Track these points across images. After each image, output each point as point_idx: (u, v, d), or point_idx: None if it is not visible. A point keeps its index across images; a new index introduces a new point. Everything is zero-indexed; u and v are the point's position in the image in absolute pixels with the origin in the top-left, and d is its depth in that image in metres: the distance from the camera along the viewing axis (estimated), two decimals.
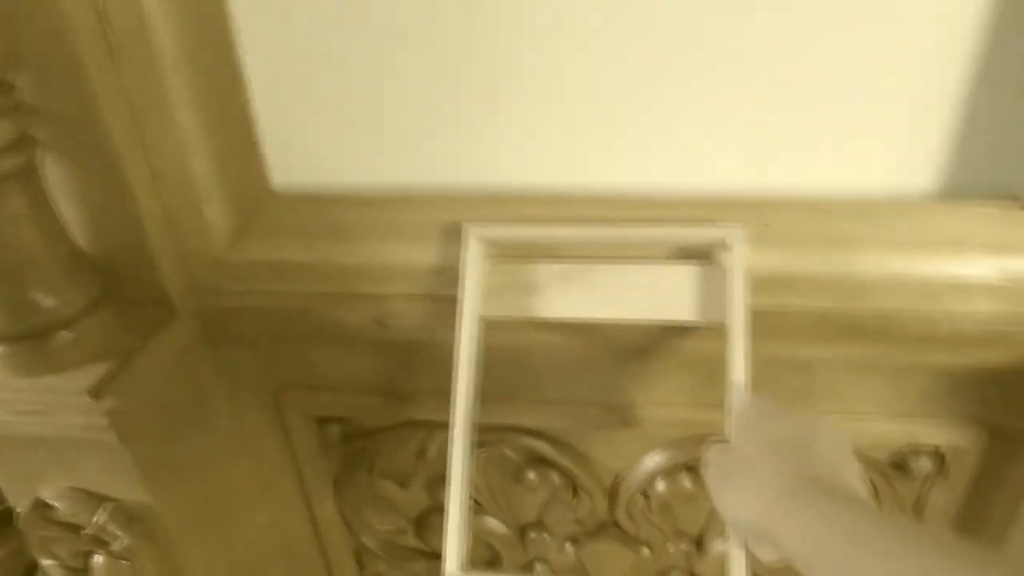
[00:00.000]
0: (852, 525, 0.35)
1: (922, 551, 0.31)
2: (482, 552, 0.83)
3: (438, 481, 0.76)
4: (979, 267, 0.57)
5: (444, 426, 0.71)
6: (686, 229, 0.59)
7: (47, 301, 0.56)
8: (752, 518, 0.41)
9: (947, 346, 0.58)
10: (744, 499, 0.42)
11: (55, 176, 0.57)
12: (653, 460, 0.71)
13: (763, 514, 0.40)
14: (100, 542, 0.64)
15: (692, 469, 0.71)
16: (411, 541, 0.82)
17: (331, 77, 0.61)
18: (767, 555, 0.46)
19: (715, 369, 0.59)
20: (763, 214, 0.59)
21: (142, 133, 0.57)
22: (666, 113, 0.59)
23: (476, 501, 0.76)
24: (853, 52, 0.55)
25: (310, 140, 0.64)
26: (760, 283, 0.58)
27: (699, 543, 0.78)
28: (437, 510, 0.79)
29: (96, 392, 0.56)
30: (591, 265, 0.60)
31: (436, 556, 0.83)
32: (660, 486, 0.72)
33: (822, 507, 0.37)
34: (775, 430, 0.45)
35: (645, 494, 0.73)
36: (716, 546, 0.77)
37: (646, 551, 0.78)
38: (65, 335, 0.57)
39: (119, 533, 0.63)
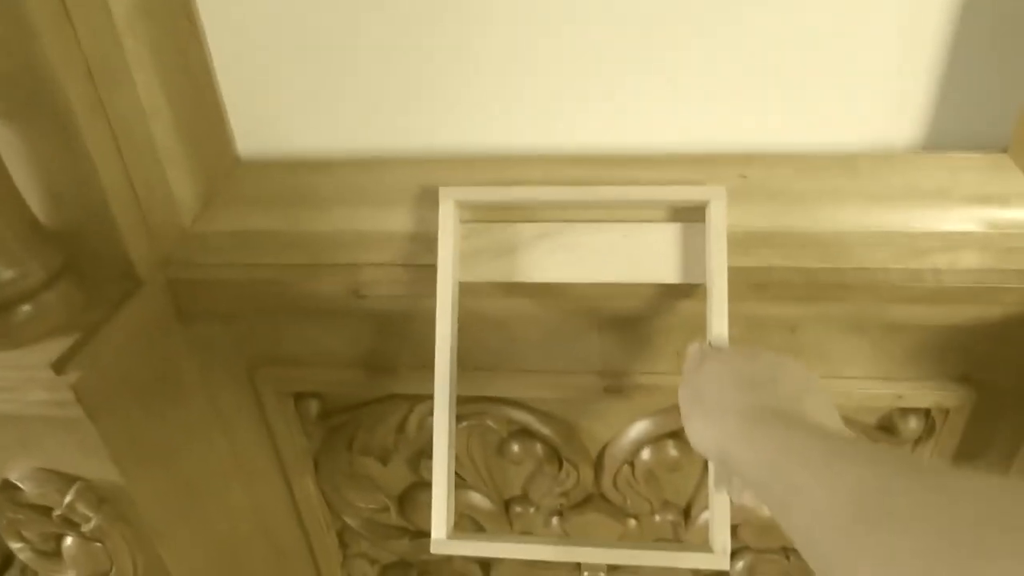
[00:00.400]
0: (805, 449, 0.34)
1: (862, 462, 0.30)
2: (467, 527, 0.81)
3: (420, 456, 0.75)
4: (965, 219, 0.56)
5: (425, 399, 0.70)
6: (667, 190, 0.58)
7: (5, 274, 0.53)
8: (715, 446, 0.42)
9: (934, 302, 0.56)
10: (708, 427, 0.43)
11: (11, 144, 0.54)
12: (638, 429, 0.70)
13: (724, 442, 0.41)
14: (70, 524, 0.62)
15: (678, 437, 0.70)
16: (394, 519, 0.80)
17: (296, 39, 0.59)
18: (746, 500, 0.47)
19: (700, 334, 0.58)
20: (745, 169, 0.57)
21: (100, 97, 0.55)
22: (646, 69, 0.57)
23: (460, 476, 0.75)
24: (834, 4, 0.53)
25: (276, 106, 0.62)
26: (743, 241, 0.57)
27: (686, 513, 0.77)
28: (420, 486, 0.78)
29: (60, 366, 0.54)
30: (571, 225, 0.59)
31: (420, 534, 0.82)
32: (646, 455, 0.71)
33: (779, 434, 0.37)
34: (745, 367, 0.45)
35: (631, 464, 0.72)
36: (703, 516, 0.76)
37: (633, 522, 0.77)
38: (25, 309, 0.55)
39: (90, 514, 0.61)
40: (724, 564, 0.57)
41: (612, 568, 0.82)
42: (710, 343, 0.54)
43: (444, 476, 0.58)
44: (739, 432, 0.39)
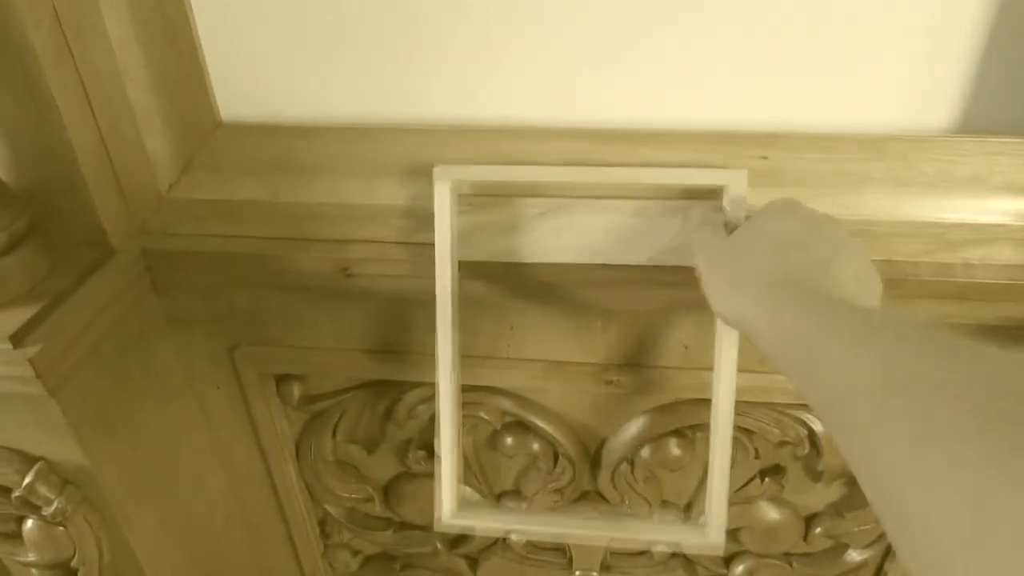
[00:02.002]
0: (830, 324, 0.32)
1: (889, 336, 0.29)
2: None
3: (408, 446, 0.71)
4: (1001, 210, 0.52)
5: (415, 386, 0.66)
6: (682, 172, 0.53)
7: None
8: (735, 312, 0.40)
9: (964, 299, 0.52)
10: (729, 293, 0.41)
11: None
12: (639, 425, 0.66)
13: (746, 310, 0.39)
14: (31, 506, 0.58)
15: (681, 435, 0.66)
16: (378, 510, 0.76)
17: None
18: None
19: (711, 329, 0.54)
20: (766, 150, 0.53)
21: (70, 47, 0.50)
22: (661, 36, 0.53)
23: None
24: None
25: (261, 66, 0.57)
26: None
27: (686, 514, 0.73)
28: (407, 477, 0.74)
29: (18, 339, 0.50)
30: (576, 202, 0.55)
31: (405, 525, 0.78)
32: (646, 453, 0.67)
33: (804, 307, 0.35)
34: (778, 227, 0.43)
35: (630, 462, 0.68)
36: (703, 519, 0.72)
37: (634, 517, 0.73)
38: None
39: (51, 496, 0.57)
40: (719, 548, 0.57)
41: (604, 568, 0.78)
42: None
43: (451, 453, 0.56)
44: (761, 303, 0.38)
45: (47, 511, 0.58)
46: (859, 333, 0.30)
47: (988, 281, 0.52)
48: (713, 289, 0.43)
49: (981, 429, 0.21)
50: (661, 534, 0.58)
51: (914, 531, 0.22)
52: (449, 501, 0.58)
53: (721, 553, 0.56)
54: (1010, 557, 0.18)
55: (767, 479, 0.68)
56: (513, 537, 0.78)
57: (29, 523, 0.60)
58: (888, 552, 0.74)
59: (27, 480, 0.56)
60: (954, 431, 0.22)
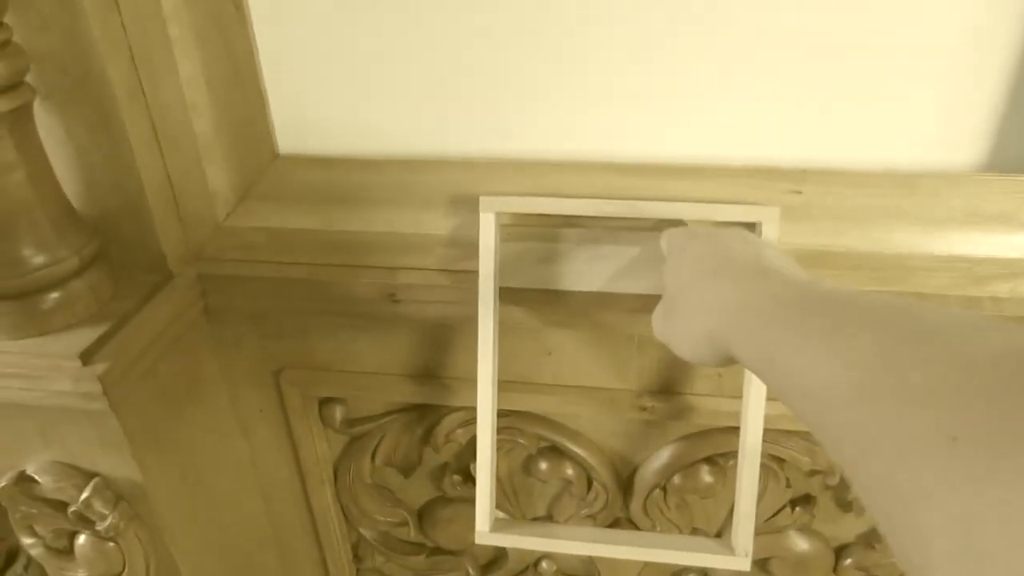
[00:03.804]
0: (797, 325, 0.31)
1: (860, 329, 0.27)
2: (487, 546, 0.79)
3: (445, 471, 0.73)
4: None
5: (454, 411, 0.68)
6: (716, 208, 0.56)
7: (37, 259, 0.52)
8: (705, 336, 0.39)
9: None
10: (694, 321, 0.40)
11: (49, 128, 0.54)
12: (671, 452, 0.68)
13: (717, 329, 0.37)
14: (85, 521, 0.60)
15: (712, 462, 0.68)
16: (412, 534, 0.78)
17: (343, 35, 0.58)
18: None
19: None
20: (800, 185, 0.55)
21: (143, 85, 0.54)
22: (698, 75, 0.56)
23: None
24: (899, 19, 0.52)
25: (319, 102, 0.61)
26: (795, 259, 0.54)
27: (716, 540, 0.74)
28: (442, 501, 0.75)
29: (87, 356, 0.52)
30: (613, 232, 0.57)
31: (438, 551, 0.79)
32: (677, 480, 0.69)
33: (765, 315, 0.33)
34: (695, 255, 0.43)
35: (663, 488, 0.69)
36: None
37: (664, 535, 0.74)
38: (54, 296, 0.54)
39: (106, 512, 0.59)
40: (745, 566, 0.58)
41: None
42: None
43: (488, 471, 0.58)
44: (727, 330, 0.36)
45: (101, 526, 0.59)
46: (829, 332, 0.28)
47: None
48: (679, 335, 0.42)
49: (956, 438, 0.20)
50: (689, 550, 0.60)
51: (900, 546, 0.22)
52: (484, 518, 0.59)
53: (747, 569, 0.57)
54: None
55: (797, 508, 0.69)
56: (543, 565, 0.79)
57: (81, 539, 0.62)
58: None
59: (84, 495, 0.58)
60: (928, 442, 0.21)
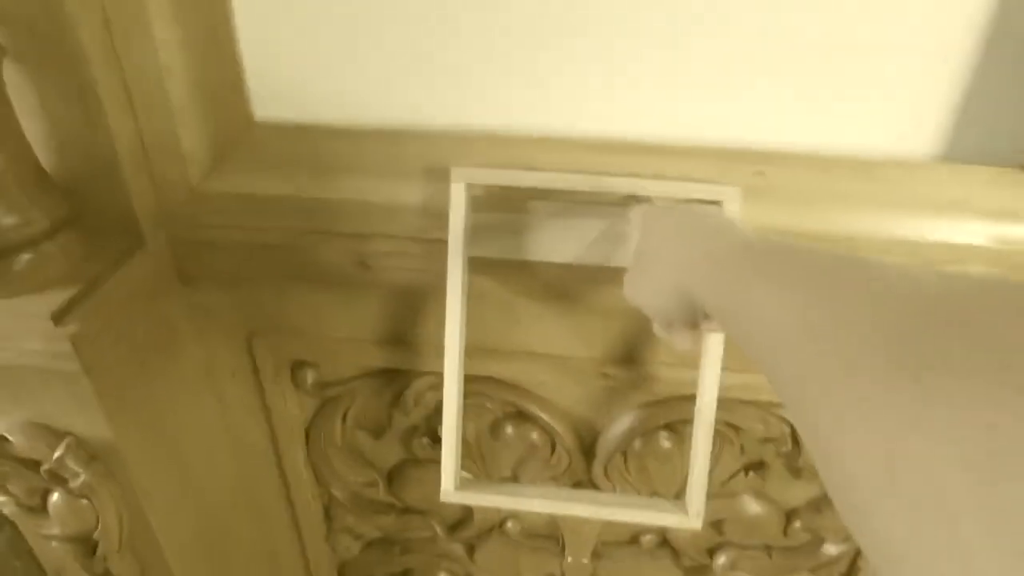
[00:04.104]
0: (756, 270, 0.32)
1: (804, 275, 0.29)
2: (454, 506, 0.81)
3: (414, 432, 0.75)
4: (977, 232, 0.56)
5: (423, 375, 0.70)
6: (680, 186, 0.57)
7: (6, 220, 0.52)
8: (673, 289, 0.41)
9: None
10: (661, 276, 0.42)
11: (20, 90, 0.53)
12: (633, 418, 0.70)
13: (682, 282, 0.40)
14: (58, 479, 0.61)
15: (671, 428, 0.70)
16: (382, 494, 0.80)
17: (320, 7, 0.58)
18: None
19: None
20: (763, 166, 0.57)
21: (117, 47, 0.54)
22: (669, 59, 0.57)
23: None
24: (863, 15, 0.53)
25: (295, 70, 0.61)
26: None
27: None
28: (411, 463, 0.78)
29: (59, 316, 0.53)
30: (581, 206, 0.58)
31: (407, 511, 0.82)
32: (638, 445, 0.71)
33: (732, 266, 0.35)
34: (665, 224, 0.45)
35: (623, 453, 0.72)
36: None
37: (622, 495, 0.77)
38: (26, 258, 0.54)
39: (79, 470, 0.60)
40: (697, 525, 0.62)
41: (595, 555, 0.82)
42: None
43: (453, 432, 0.60)
44: (691, 281, 0.39)
45: (74, 484, 0.61)
46: (773, 278, 0.30)
47: None
48: (645, 290, 0.45)
49: (889, 370, 0.21)
50: (646, 509, 0.63)
51: (832, 475, 0.22)
52: (449, 477, 0.61)
53: (699, 528, 0.60)
54: (919, 506, 0.18)
55: (751, 473, 0.72)
56: (509, 525, 0.82)
57: (55, 496, 0.63)
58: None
59: (57, 453, 0.59)
60: (864, 373, 0.22)
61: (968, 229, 0.56)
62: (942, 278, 0.23)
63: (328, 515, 0.85)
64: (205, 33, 0.57)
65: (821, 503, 0.74)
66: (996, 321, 0.19)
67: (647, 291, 0.45)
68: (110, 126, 0.55)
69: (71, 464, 0.60)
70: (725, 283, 0.34)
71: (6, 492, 0.64)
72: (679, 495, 0.76)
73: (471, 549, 0.84)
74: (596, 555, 0.82)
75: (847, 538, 0.77)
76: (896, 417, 0.20)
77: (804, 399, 0.25)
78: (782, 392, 0.27)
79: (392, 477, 0.79)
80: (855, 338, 0.23)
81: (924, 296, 0.23)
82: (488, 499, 0.63)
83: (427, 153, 0.61)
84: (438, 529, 0.82)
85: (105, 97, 0.54)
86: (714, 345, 0.57)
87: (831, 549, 0.78)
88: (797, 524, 0.76)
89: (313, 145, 0.61)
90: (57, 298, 0.54)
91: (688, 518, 0.61)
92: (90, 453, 0.61)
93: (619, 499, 0.67)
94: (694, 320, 0.43)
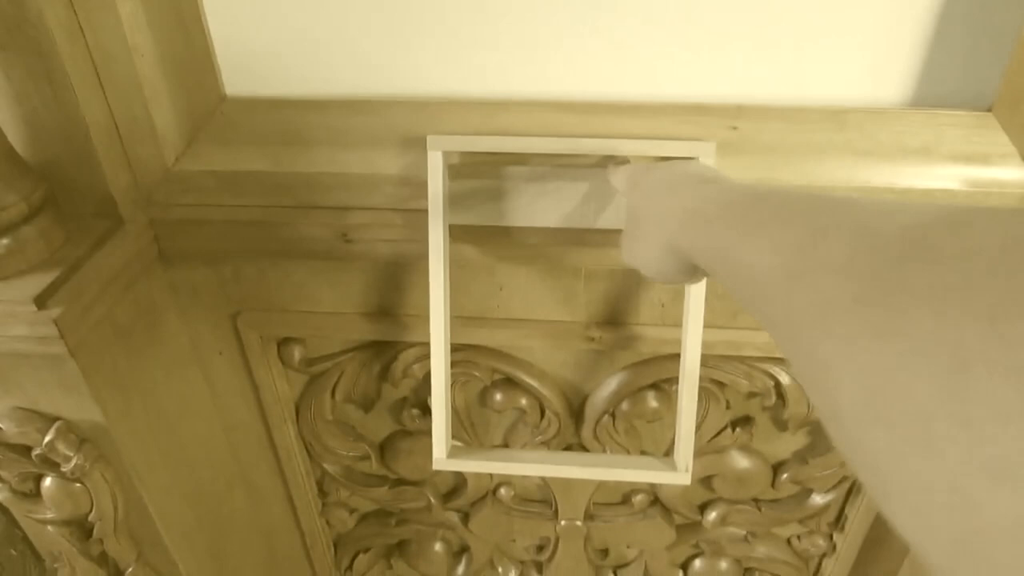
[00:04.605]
0: (740, 213, 0.33)
1: (786, 218, 0.29)
2: (447, 475, 0.82)
3: (403, 404, 0.75)
4: (948, 176, 0.57)
5: (410, 346, 0.70)
6: (655, 144, 0.58)
7: None
8: (666, 247, 0.41)
9: None
10: (654, 235, 0.42)
11: None
12: (619, 379, 0.71)
13: (673, 237, 0.40)
14: (50, 463, 0.61)
15: (658, 388, 0.71)
16: (374, 467, 0.81)
17: None
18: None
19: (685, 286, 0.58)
20: (736, 121, 0.58)
21: (83, 28, 0.53)
22: (639, 15, 0.57)
23: None
24: None
25: (264, 43, 0.60)
26: None
27: None
28: (402, 435, 0.78)
29: (42, 300, 0.53)
30: (558, 170, 0.59)
31: (400, 482, 0.83)
32: (626, 406, 0.72)
33: (711, 216, 0.36)
34: (657, 177, 0.46)
35: (611, 415, 0.73)
36: None
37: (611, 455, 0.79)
38: (4, 243, 0.54)
39: (70, 454, 0.60)
40: (686, 480, 0.62)
41: (588, 516, 0.83)
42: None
43: (442, 401, 0.60)
44: (682, 235, 0.39)
45: (66, 468, 0.61)
46: (761, 223, 0.30)
47: None
48: (641, 248, 0.45)
49: (859, 300, 0.22)
50: (635, 468, 0.64)
51: (824, 411, 0.23)
52: (440, 445, 0.61)
53: (688, 483, 0.61)
54: (899, 434, 0.19)
55: (737, 429, 0.74)
56: (502, 491, 0.83)
57: (48, 481, 0.63)
58: (848, 495, 0.80)
59: (48, 438, 0.59)
60: (837, 306, 0.23)
61: (940, 173, 0.57)
62: (912, 210, 0.24)
63: (322, 490, 0.85)
64: (171, 10, 0.56)
65: (807, 454, 0.76)
66: (960, 249, 0.20)
67: (643, 253, 0.45)
68: (81, 108, 0.54)
69: (62, 448, 0.60)
70: (711, 237, 0.35)
71: None
72: (668, 453, 0.77)
73: (465, 517, 0.85)
74: (589, 516, 0.83)
75: (834, 487, 0.79)
76: (870, 347, 0.20)
77: (791, 340, 0.26)
78: (775, 337, 0.28)
79: (384, 449, 0.80)
80: (830, 277, 0.24)
81: (893, 229, 0.23)
82: (480, 465, 0.64)
83: (403, 122, 0.61)
84: (432, 499, 0.83)
85: (74, 77, 0.53)
86: (695, 304, 0.58)
87: (818, 499, 0.80)
88: (784, 476, 0.77)
89: (287, 119, 0.61)
90: (39, 282, 0.54)
91: (677, 474, 0.62)
92: (81, 436, 0.61)
93: (609, 459, 0.68)
94: (693, 276, 0.43)
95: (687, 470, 0.61)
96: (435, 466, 0.61)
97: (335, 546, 0.92)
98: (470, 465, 0.62)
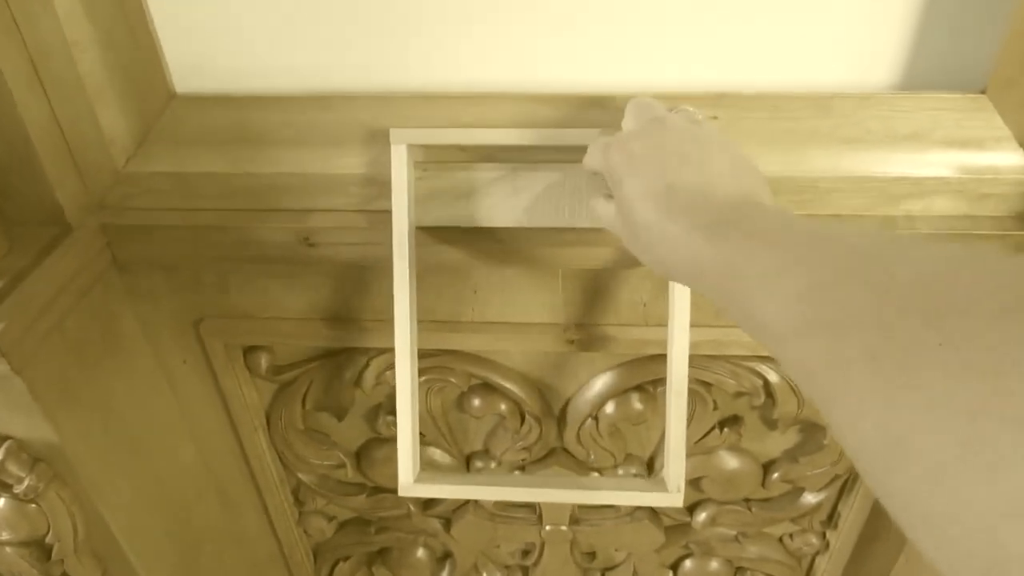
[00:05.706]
0: (750, 256, 0.32)
1: (802, 264, 0.29)
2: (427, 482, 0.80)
3: (378, 412, 0.72)
4: (940, 163, 0.54)
5: (382, 352, 0.67)
6: None
7: None
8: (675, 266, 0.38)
9: None
10: (668, 262, 0.39)
11: None
12: (602, 382, 0.68)
13: (679, 266, 0.38)
14: (3, 484, 0.58)
15: (642, 390, 0.69)
16: (350, 475, 0.78)
17: None
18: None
19: (667, 286, 0.55)
20: (716, 109, 0.54)
21: (17, 23, 0.50)
22: (621, 4, 0.54)
23: (420, 432, 0.72)
24: None
25: (214, 37, 0.57)
26: None
27: (649, 466, 0.76)
28: (377, 442, 0.75)
29: None
30: (531, 167, 0.56)
31: (378, 489, 0.80)
32: (609, 408, 0.70)
33: (722, 246, 0.34)
34: (660, 141, 0.42)
35: (595, 418, 0.70)
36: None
37: (596, 476, 0.76)
38: None
39: (22, 474, 0.57)
40: (678, 502, 0.59)
41: (573, 521, 0.81)
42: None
43: (408, 421, 0.57)
44: (684, 260, 0.36)
45: (19, 489, 0.58)
46: (770, 273, 0.30)
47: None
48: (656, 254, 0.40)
49: (875, 357, 0.22)
50: (624, 490, 0.60)
51: (856, 458, 0.24)
52: (407, 469, 0.58)
53: (680, 505, 0.58)
54: (920, 479, 0.20)
55: (726, 429, 0.71)
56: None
57: (1, 502, 0.60)
58: (841, 492, 0.77)
59: None
60: (854, 364, 0.23)
61: (933, 160, 0.54)
62: (916, 255, 0.25)
63: (297, 499, 0.83)
64: (111, 2, 0.53)
65: (797, 453, 0.73)
66: (965, 301, 0.21)
67: (657, 263, 0.41)
68: (19, 109, 0.51)
69: (13, 469, 0.57)
70: (721, 294, 0.34)
71: None
72: (654, 456, 0.75)
73: (447, 524, 0.83)
74: (574, 521, 0.81)
75: (825, 486, 0.76)
76: (888, 401, 0.22)
77: (807, 383, 0.27)
78: (789, 370, 0.28)
79: (360, 457, 0.77)
80: (846, 333, 0.24)
81: (905, 277, 0.24)
82: (452, 490, 0.60)
83: (365, 118, 0.57)
84: (412, 506, 0.81)
85: (10, 78, 0.50)
86: (680, 321, 0.54)
87: (810, 498, 0.77)
88: (775, 475, 0.75)
89: (242, 116, 0.58)
90: None
91: (669, 495, 0.58)
92: (34, 456, 0.58)
93: (594, 481, 0.65)
94: None
95: (679, 490, 0.57)
96: (401, 492, 0.57)
97: (314, 555, 0.90)
98: (441, 491, 0.59)
